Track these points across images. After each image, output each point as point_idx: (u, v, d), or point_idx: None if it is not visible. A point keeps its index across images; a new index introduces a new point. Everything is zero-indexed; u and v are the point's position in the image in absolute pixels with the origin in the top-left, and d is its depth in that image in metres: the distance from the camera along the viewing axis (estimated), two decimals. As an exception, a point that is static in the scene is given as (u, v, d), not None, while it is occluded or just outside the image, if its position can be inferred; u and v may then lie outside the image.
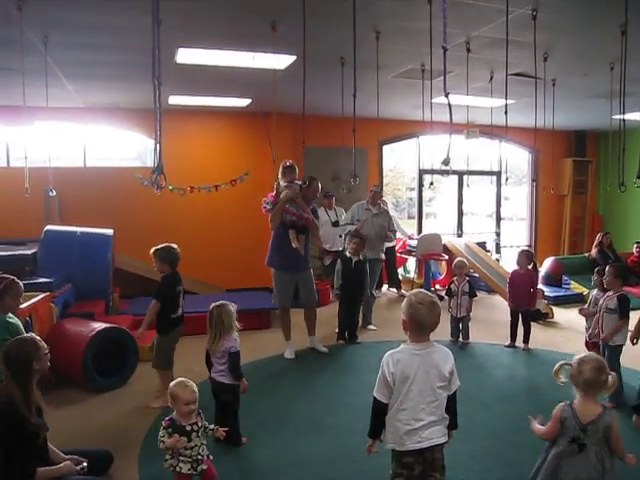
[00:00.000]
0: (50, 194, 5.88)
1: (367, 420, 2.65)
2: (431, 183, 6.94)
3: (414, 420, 2.47)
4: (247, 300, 6.99)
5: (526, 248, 6.21)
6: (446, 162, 3.15)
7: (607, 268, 4.68)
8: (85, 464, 3.05)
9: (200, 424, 3.00)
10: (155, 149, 2.93)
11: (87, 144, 8.56)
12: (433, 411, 2.49)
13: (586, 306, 5.05)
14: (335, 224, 7.96)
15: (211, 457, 3.04)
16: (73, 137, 8.53)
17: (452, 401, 2.58)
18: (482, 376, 5.13)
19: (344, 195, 8.35)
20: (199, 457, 2.94)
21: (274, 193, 5.48)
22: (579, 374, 2.54)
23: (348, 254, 6.24)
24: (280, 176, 5.51)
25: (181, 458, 2.89)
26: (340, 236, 7.67)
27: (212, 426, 3.08)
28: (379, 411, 2.57)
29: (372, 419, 2.61)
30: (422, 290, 2.71)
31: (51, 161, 6.19)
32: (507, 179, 6.64)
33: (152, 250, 4.44)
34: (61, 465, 2.94)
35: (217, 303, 3.78)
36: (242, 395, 3.77)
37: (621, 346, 4.47)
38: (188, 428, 2.92)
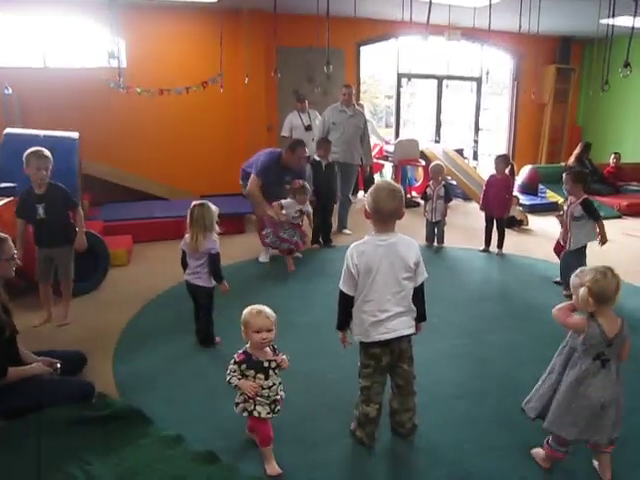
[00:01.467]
0: (5, 92, 5.51)
1: (338, 315, 2.65)
2: (409, 79, 6.69)
3: (379, 311, 2.46)
4: (221, 205, 6.73)
5: (504, 153, 6.10)
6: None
7: (564, 175, 4.66)
8: (59, 365, 3.02)
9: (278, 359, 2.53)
10: (112, 40, 2.67)
11: (48, 44, 8.01)
12: (399, 302, 2.48)
13: (561, 213, 5.05)
14: (308, 128, 7.73)
15: (283, 395, 2.59)
16: (32, 36, 7.96)
17: (419, 293, 2.56)
18: (456, 279, 5.18)
19: (319, 98, 8.08)
20: (277, 397, 2.52)
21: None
22: (604, 289, 2.20)
23: (317, 158, 6.11)
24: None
25: (259, 399, 2.46)
26: (313, 140, 7.46)
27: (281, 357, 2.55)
28: (345, 303, 2.57)
29: (338, 311, 2.61)
30: (385, 179, 2.65)
31: (6, 59, 5.76)
32: (487, 79, 6.42)
33: None
34: (33, 365, 2.91)
35: (198, 202, 3.66)
36: (218, 296, 3.73)
37: (585, 246, 4.62)
38: (266, 364, 2.47)
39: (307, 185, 5.45)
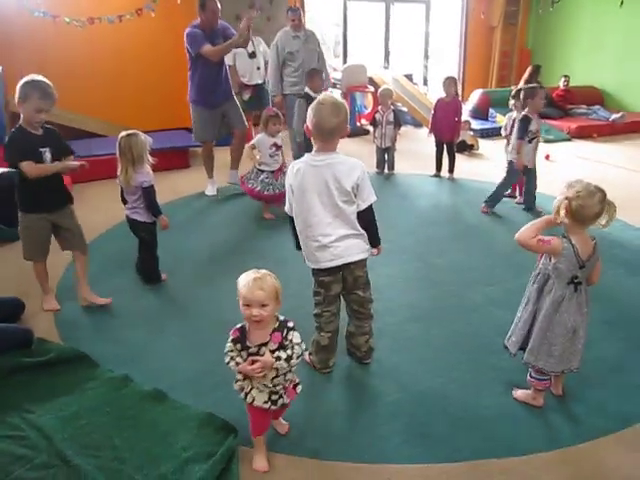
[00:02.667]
0: None
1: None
2: None
3: (321, 236, 2.36)
4: (164, 139, 6.57)
5: (451, 75, 5.95)
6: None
7: (512, 91, 4.84)
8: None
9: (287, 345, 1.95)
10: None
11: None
12: (341, 225, 2.37)
13: (502, 129, 5.06)
14: (252, 55, 7.37)
15: (299, 387, 2.16)
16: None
17: (368, 217, 2.44)
18: (407, 204, 5.12)
19: (262, 24, 7.70)
20: (279, 389, 2.03)
21: None
22: (583, 208, 2.06)
23: (312, 93, 5.49)
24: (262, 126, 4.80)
25: (254, 384, 2.01)
26: (258, 68, 7.13)
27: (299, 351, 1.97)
28: (292, 225, 2.49)
29: (292, 234, 2.53)
30: (329, 93, 2.50)
31: None
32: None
33: None
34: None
35: (126, 132, 3.36)
36: (161, 232, 3.56)
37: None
38: (253, 350, 1.95)
39: (279, 113, 4.74)
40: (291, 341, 1.95)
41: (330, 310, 2.52)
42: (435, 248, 4.07)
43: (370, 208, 2.41)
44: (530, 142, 4.56)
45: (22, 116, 2.97)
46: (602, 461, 2.09)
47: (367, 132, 7.94)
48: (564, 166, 6.48)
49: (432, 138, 5.95)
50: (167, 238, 3.72)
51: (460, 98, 6.06)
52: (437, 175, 5.99)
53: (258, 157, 4.63)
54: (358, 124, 8.21)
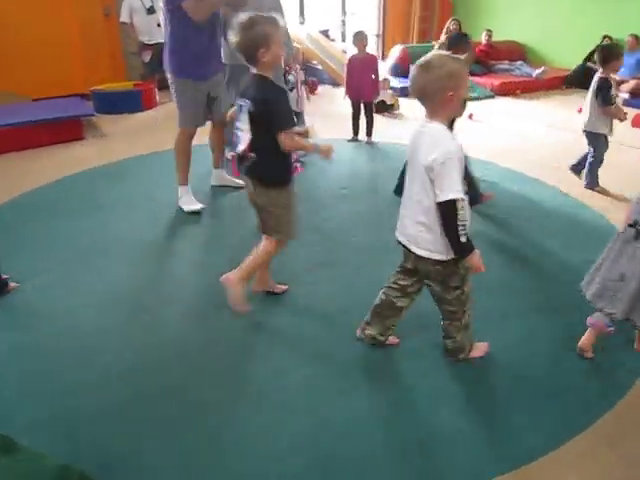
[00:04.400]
0: None
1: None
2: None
3: (402, 207, 2.15)
4: (53, 109, 5.83)
5: (361, 29, 5.53)
6: None
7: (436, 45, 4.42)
8: None
9: None
10: None
11: None
12: (414, 206, 2.03)
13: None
14: (150, 10, 6.66)
15: None
16: None
17: (441, 216, 1.97)
18: (321, 173, 4.69)
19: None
20: None
21: None
22: None
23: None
24: None
25: None
26: (158, 25, 6.44)
27: None
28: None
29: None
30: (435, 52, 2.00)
31: None
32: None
33: None
34: None
35: None
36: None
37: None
38: None
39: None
40: None
41: (395, 277, 2.26)
42: (350, 226, 3.67)
43: (447, 206, 1.87)
44: (612, 106, 4.05)
45: None
46: None
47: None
48: (488, 126, 6.22)
49: (348, 99, 5.52)
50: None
51: (380, 54, 5.61)
52: (355, 139, 5.58)
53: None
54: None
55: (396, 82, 7.72)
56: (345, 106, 5.70)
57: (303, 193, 4.07)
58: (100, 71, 7.54)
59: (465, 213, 1.89)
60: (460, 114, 1.93)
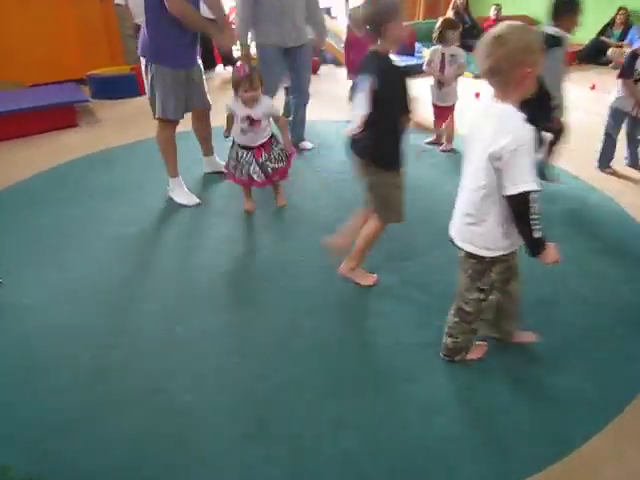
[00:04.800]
0: None
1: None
2: None
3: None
4: (46, 95, 5.69)
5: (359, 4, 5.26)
6: None
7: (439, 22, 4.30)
8: None
9: None
10: None
11: None
12: (465, 197, 1.90)
13: (425, 63, 4.45)
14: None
15: None
16: None
17: (513, 211, 1.78)
18: (321, 159, 4.51)
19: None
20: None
21: None
22: None
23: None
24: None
25: None
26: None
27: None
28: None
29: None
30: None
31: None
32: None
33: None
34: None
35: None
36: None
37: None
38: None
39: (253, 74, 3.20)
40: None
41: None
42: (340, 215, 3.50)
43: (519, 199, 1.68)
44: (636, 83, 3.71)
45: None
46: None
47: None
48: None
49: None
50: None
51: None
52: None
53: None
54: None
55: (400, 60, 7.44)
56: (345, 87, 5.47)
57: (295, 184, 3.94)
58: (98, 55, 7.36)
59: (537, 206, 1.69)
60: (530, 93, 1.70)
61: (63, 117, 5.54)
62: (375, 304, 2.55)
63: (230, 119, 3.38)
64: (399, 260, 2.89)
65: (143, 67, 3.47)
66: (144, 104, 6.35)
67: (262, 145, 3.35)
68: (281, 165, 3.43)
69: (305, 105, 4.56)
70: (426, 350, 2.20)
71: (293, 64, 4.27)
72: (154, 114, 3.54)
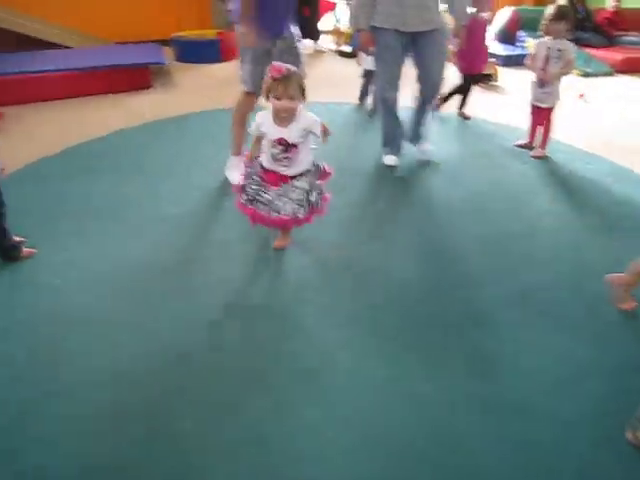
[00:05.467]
0: None
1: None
2: None
3: None
4: (124, 54, 5.60)
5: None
6: None
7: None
8: None
9: None
10: None
11: None
12: None
13: (529, 57, 3.94)
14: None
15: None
16: None
17: None
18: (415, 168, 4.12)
19: None
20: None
21: None
22: None
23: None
24: None
25: None
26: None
27: None
28: None
29: None
30: None
31: None
32: None
33: None
34: None
35: None
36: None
37: None
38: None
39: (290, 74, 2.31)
40: None
41: None
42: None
43: None
44: None
45: None
46: None
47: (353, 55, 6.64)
48: (601, 109, 5.28)
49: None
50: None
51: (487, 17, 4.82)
52: (462, 114, 4.94)
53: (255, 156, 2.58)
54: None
55: (500, 49, 6.88)
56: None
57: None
58: (187, 17, 7.25)
59: None
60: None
61: (137, 78, 5.44)
62: None
63: (257, 145, 2.54)
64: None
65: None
66: (224, 71, 6.23)
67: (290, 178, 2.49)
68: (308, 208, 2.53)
69: (429, 103, 3.72)
70: None
71: (419, 54, 3.46)
72: (242, 84, 3.27)
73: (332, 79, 5.96)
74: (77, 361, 1.95)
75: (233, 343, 2.06)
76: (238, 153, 3.43)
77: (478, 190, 3.38)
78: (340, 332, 2.10)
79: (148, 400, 1.78)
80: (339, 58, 7.02)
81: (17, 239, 2.65)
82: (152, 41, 6.40)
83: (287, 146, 2.41)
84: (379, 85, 3.61)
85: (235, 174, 3.35)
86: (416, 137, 3.90)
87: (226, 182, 3.41)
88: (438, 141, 4.13)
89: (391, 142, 3.77)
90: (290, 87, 2.31)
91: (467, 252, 2.69)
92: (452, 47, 4.17)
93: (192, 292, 2.36)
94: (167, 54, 6.11)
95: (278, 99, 2.32)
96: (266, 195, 2.49)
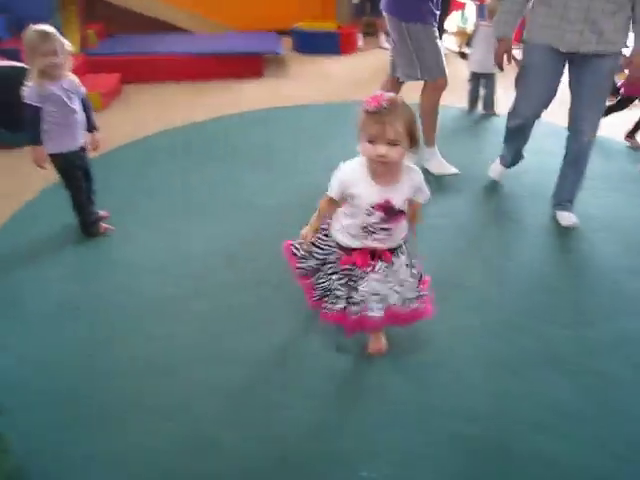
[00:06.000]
0: None
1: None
2: None
3: None
4: (240, 42, 5.73)
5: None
6: None
7: None
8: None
9: None
10: None
11: None
12: None
13: None
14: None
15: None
16: None
17: None
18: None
19: None
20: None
21: None
22: None
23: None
24: None
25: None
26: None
27: None
28: None
29: None
30: None
31: None
32: None
33: None
34: None
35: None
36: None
37: None
38: None
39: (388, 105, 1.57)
40: None
41: None
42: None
43: None
44: None
45: None
46: None
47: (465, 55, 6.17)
48: None
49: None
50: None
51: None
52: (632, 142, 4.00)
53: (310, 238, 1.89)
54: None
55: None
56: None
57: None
58: (310, 8, 7.23)
59: None
60: None
61: (249, 66, 5.52)
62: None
63: (330, 210, 1.82)
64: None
65: (392, 27, 3.17)
66: (341, 64, 6.13)
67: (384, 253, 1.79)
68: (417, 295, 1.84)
69: (581, 151, 2.78)
70: None
71: (575, 82, 2.73)
72: (421, 77, 3.21)
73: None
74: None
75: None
76: (433, 144, 3.40)
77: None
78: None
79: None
80: (460, 60, 6.70)
81: (101, 213, 2.76)
82: (275, 30, 6.45)
83: (391, 214, 1.70)
84: (514, 107, 2.91)
85: (436, 164, 3.40)
86: (562, 199, 2.94)
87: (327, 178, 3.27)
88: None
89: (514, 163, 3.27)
90: (391, 126, 1.55)
91: None
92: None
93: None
94: (285, 44, 6.13)
95: (371, 142, 1.59)
96: (362, 287, 1.77)
